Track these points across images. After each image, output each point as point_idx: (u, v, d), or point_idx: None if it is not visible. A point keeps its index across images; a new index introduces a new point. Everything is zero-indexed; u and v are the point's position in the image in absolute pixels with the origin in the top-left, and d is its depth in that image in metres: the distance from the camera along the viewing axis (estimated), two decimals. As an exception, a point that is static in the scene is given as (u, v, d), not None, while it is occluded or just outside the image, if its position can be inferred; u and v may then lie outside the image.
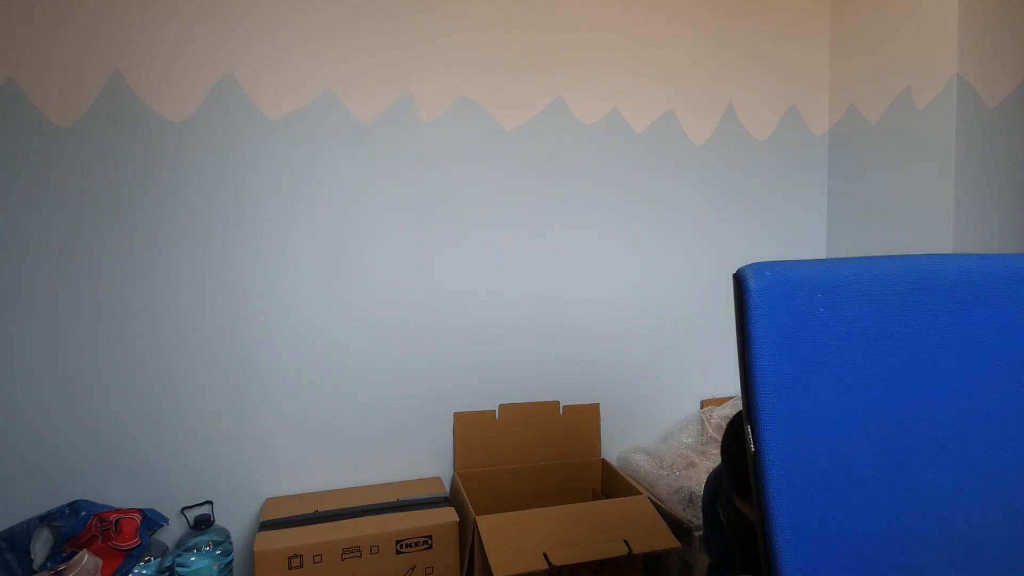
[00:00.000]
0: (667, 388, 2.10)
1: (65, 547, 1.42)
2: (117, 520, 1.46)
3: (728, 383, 2.16)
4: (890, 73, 1.95)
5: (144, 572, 1.46)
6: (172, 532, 1.64)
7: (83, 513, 1.47)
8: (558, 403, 1.96)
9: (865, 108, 2.06)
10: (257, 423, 1.71)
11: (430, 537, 1.56)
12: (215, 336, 1.66)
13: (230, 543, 1.62)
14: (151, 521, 1.52)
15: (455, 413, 1.87)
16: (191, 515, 1.62)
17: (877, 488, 0.62)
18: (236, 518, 1.70)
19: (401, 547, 1.55)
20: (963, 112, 1.77)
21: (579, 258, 1.96)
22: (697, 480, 1.72)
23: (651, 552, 1.50)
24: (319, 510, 1.63)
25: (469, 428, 1.87)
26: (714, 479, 1.31)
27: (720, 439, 1.96)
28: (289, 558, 1.46)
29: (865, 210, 2.08)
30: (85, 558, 1.37)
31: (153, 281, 1.61)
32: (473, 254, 1.86)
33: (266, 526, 1.56)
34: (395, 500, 1.69)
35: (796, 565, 0.58)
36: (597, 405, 2.00)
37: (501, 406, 1.91)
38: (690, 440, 2.03)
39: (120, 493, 1.60)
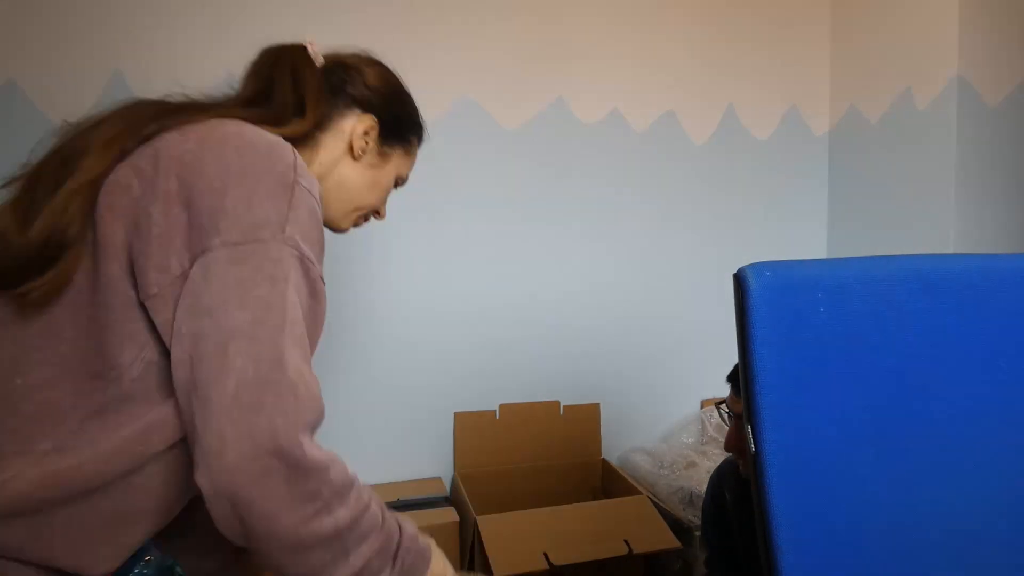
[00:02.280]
0: (667, 388, 2.10)
1: (65, 547, 1.42)
2: (117, 520, 1.46)
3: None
4: (890, 73, 1.95)
5: (145, 572, 1.46)
6: (172, 532, 1.64)
7: (83, 513, 1.47)
8: (558, 403, 1.96)
9: (865, 108, 2.06)
10: (257, 423, 1.71)
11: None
12: (215, 336, 1.66)
13: (230, 543, 1.62)
14: (151, 521, 1.51)
15: (455, 413, 1.87)
16: (191, 515, 1.62)
17: (877, 487, 0.62)
18: (236, 518, 1.70)
19: (401, 547, 1.54)
20: (963, 112, 1.76)
21: (579, 258, 1.96)
22: (697, 480, 1.72)
23: (651, 552, 1.50)
24: (319, 510, 1.63)
25: (469, 428, 1.87)
26: (717, 476, 1.32)
27: (721, 439, 1.96)
28: (289, 558, 1.46)
29: (865, 210, 2.07)
30: (85, 558, 1.37)
31: (153, 281, 1.61)
32: (472, 254, 1.86)
33: (266, 526, 1.55)
34: (395, 500, 1.69)
35: (796, 565, 0.58)
36: (597, 405, 2.00)
37: (501, 406, 1.91)
38: (690, 440, 2.02)
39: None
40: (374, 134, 0.87)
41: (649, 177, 2.01)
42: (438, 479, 1.84)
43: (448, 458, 1.89)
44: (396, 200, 1.77)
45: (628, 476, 1.85)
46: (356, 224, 0.95)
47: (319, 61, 0.86)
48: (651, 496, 1.71)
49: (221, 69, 1.62)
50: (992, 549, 0.67)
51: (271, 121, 0.75)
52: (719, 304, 2.12)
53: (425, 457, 1.86)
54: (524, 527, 1.51)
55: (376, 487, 1.79)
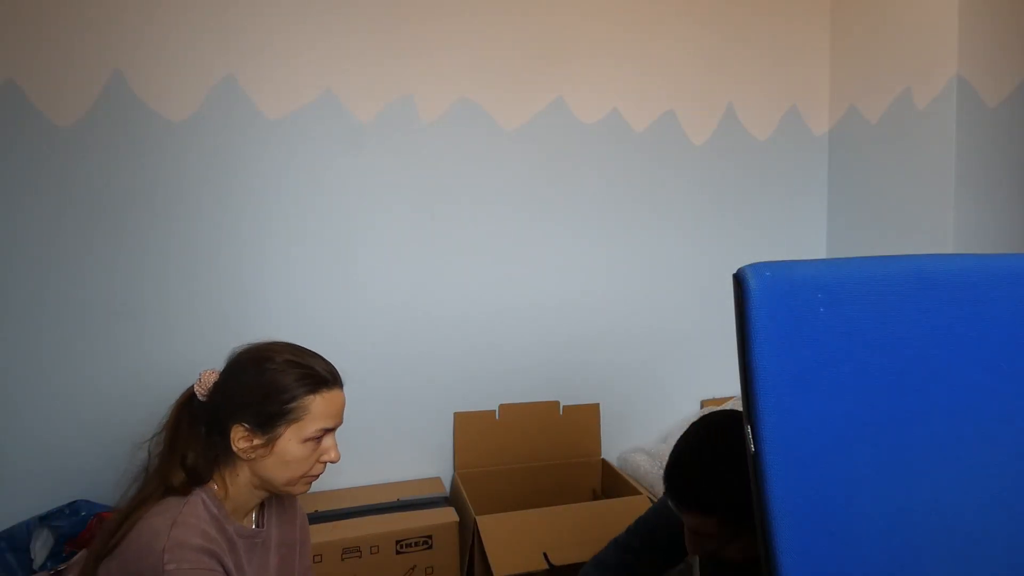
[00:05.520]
0: (667, 388, 2.10)
1: (65, 547, 1.42)
2: (117, 520, 1.46)
3: (728, 383, 2.16)
4: (890, 73, 1.95)
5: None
6: (172, 532, 1.64)
7: (83, 513, 1.47)
8: (558, 403, 1.96)
9: (865, 108, 2.06)
10: (257, 423, 1.71)
11: (430, 537, 1.56)
12: (212, 335, 1.66)
13: (230, 543, 1.62)
14: (151, 521, 1.51)
15: (455, 413, 1.87)
16: (191, 515, 1.62)
17: (877, 488, 0.62)
18: (236, 518, 1.70)
19: (401, 547, 1.54)
20: (963, 112, 1.76)
21: (579, 258, 1.96)
22: (697, 480, 1.72)
23: (651, 552, 1.50)
24: (319, 510, 1.63)
25: (469, 428, 1.87)
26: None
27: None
28: (289, 558, 1.46)
29: (865, 210, 2.07)
30: (85, 559, 1.37)
31: (152, 280, 1.61)
32: (473, 254, 1.86)
33: (266, 526, 1.56)
34: (395, 500, 1.69)
35: (796, 565, 0.58)
36: (597, 405, 2.00)
37: (501, 406, 1.91)
38: (690, 440, 2.02)
39: (120, 493, 1.60)
40: (248, 435, 0.96)
41: (648, 177, 2.01)
42: (438, 479, 1.84)
43: (448, 458, 1.89)
44: (396, 200, 1.78)
45: (628, 476, 1.85)
46: (312, 476, 1.02)
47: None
48: (651, 496, 1.71)
49: (220, 69, 1.63)
50: (994, 549, 0.67)
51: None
52: (719, 304, 2.12)
53: (425, 457, 1.86)
54: (524, 527, 1.51)
55: (376, 487, 1.79)
